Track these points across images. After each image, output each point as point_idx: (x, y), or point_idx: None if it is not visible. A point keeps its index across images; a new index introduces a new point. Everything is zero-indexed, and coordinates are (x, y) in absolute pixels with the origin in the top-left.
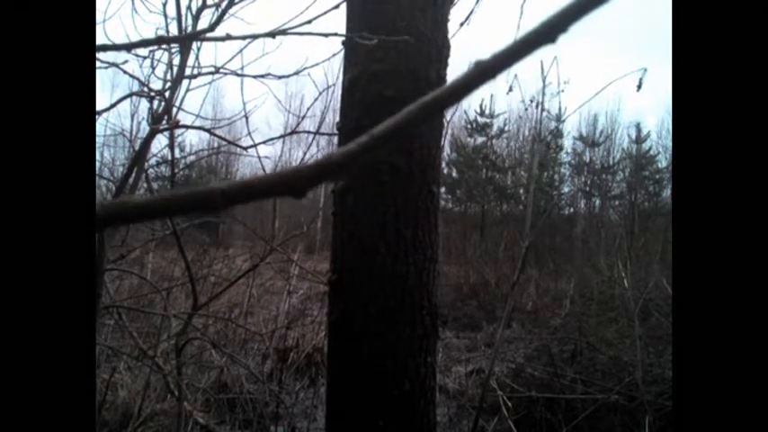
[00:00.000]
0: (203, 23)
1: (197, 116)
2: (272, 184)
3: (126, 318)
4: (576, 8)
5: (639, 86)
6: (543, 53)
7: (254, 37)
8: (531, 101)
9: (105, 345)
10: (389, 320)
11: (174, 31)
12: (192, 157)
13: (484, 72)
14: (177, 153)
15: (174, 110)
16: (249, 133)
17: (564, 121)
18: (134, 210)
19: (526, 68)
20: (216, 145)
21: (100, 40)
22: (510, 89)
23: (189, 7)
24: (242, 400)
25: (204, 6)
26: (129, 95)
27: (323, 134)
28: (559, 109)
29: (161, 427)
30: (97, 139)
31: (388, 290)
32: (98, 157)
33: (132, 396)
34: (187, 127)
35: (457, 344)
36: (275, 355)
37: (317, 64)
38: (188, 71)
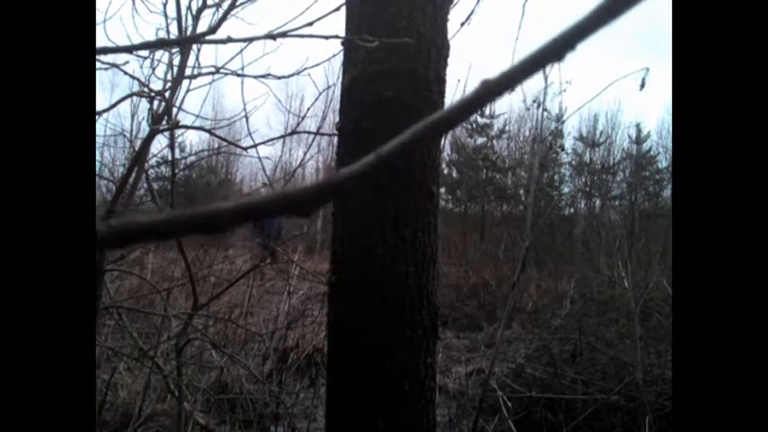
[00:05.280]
0: (204, 24)
1: (197, 116)
2: (279, 204)
3: (126, 318)
4: (585, 26)
5: (642, 86)
6: None
7: (255, 39)
8: (533, 101)
9: (105, 345)
10: (389, 320)
11: (174, 30)
12: (193, 158)
13: (491, 91)
14: (177, 153)
15: (175, 110)
16: (249, 133)
17: (564, 121)
18: (137, 231)
19: None
20: (216, 145)
21: (100, 40)
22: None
23: (189, 7)
24: (242, 401)
25: (204, 6)
26: (130, 96)
27: (323, 134)
28: (560, 109)
29: (161, 427)
30: (97, 139)
31: (387, 290)
32: (98, 157)
33: (132, 396)
34: (187, 127)
35: (457, 344)
36: (275, 356)
37: (317, 64)
38: (188, 71)
